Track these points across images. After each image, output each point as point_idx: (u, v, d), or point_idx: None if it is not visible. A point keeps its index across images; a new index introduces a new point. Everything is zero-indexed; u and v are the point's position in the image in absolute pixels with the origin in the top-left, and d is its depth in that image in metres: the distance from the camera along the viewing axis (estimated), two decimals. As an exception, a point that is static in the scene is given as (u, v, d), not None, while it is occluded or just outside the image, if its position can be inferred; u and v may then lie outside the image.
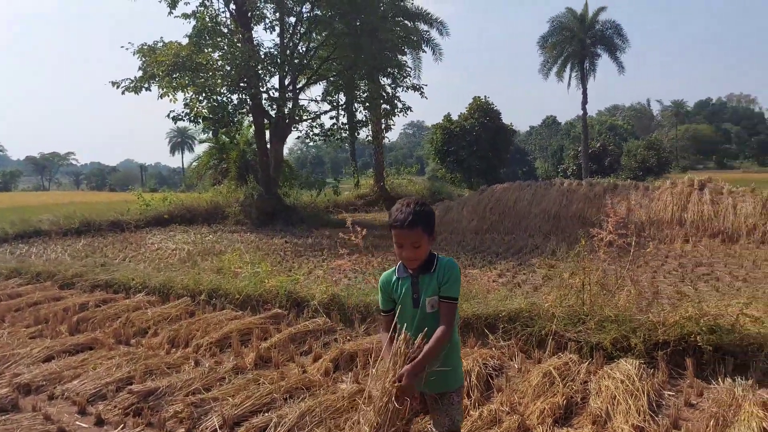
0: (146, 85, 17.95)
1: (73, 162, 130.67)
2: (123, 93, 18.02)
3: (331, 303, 6.81)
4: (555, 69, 41.94)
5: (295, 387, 4.72)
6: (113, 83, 18.19)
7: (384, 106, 21.65)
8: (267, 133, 20.70)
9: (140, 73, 17.96)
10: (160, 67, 17.20)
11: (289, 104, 20.21)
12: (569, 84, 42.03)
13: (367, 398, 2.76)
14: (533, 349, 5.42)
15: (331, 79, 22.30)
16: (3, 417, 4.44)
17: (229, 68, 17.94)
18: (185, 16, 18.43)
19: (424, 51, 28.68)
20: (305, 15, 19.91)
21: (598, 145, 47.19)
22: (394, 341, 2.71)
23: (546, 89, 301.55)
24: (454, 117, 39.48)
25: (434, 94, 25.84)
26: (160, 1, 18.70)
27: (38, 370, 5.38)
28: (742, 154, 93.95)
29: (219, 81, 17.87)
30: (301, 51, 20.59)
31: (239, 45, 18.07)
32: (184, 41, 18.16)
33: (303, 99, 24.81)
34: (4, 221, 17.56)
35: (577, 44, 40.62)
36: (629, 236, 6.40)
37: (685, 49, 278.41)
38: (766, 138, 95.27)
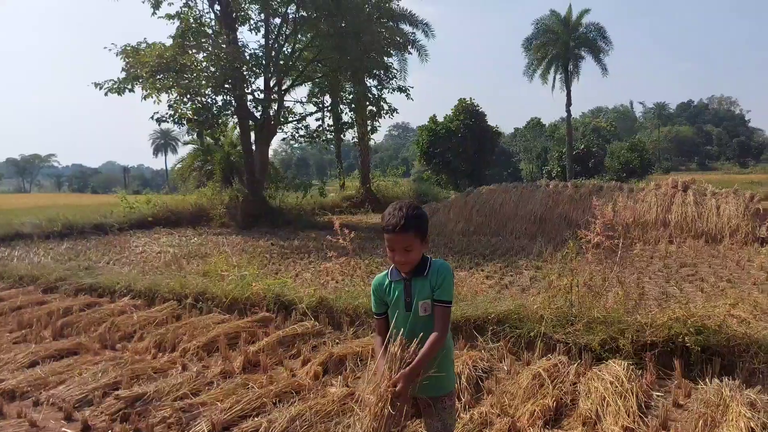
0: (130, 87, 17.78)
1: (55, 164, 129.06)
2: (106, 94, 17.84)
3: (320, 306, 6.78)
4: (539, 71, 42.09)
5: (284, 391, 4.70)
6: (96, 84, 18.00)
7: (370, 107, 21.63)
8: (252, 134, 20.58)
9: (123, 75, 17.80)
10: (144, 68, 17.05)
11: (275, 106, 20.13)
12: (553, 86, 42.23)
13: (361, 403, 2.74)
14: (522, 350, 5.44)
15: (317, 80, 22.25)
16: (-13, 424, 4.37)
17: (213, 69, 17.82)
18: (169, 17, 18.26)
19: (409, 53, 28.68)
20: (290, 16, 19.84)
21: (582, 146, 47.50)
22: (389, 345, 2.70)
23: (530, 91, 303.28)
24: (440, 119, 39.54)
25: (419, 95, 25.92)
26: (143, 2, 18.56)
27: (23, 375, 5.30)
28: (723, 156, 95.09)
29: (203, 82, 17.76)
30: (286, 52, 20.52)
31: (224, 46, 17.95)
32: (168, 42, 18.01)
33: (288, 100, 24.74)
34: (-16, 224, 17.29)
35: (561, 46, 40.82)
36: (617, 238, 6.44)
37: (667, 51, 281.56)
38: (746, 140, 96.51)
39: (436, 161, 38.99)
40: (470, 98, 39.18)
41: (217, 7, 18.97)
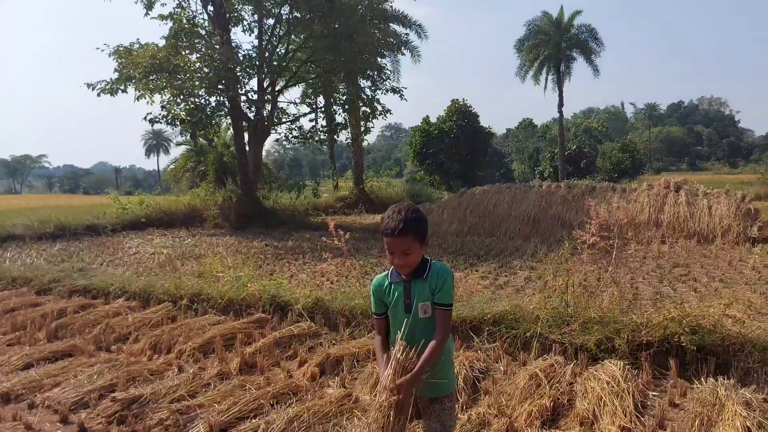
0: (122, 87, 17.69)
1: (46, 164, 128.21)
2: (99, 95, 17.71)
3: (315, 307, 6.77)
4: (531, 72, 42.26)
5: (281, 392, 4.70)
6: (89, 85, 17.89)
7: (363, 108, 21.63)
8: (246, 135, 20.54)
9: (116, 75, 17.71)
10: (137, 68, 16.97)
11: (268, 106, 20.09)
12: (545, 87, 42.43)
13: (364, 410, 2.76)
14: (518, 351, 5.45)
15: (310, 81, 22.23)
16: (-18, 427, 4.35)
17: (207, 70, 17.76)
18: (162, 17, 18.17)
19: (403, 53, 28.71)
20: (284, 17, 19.79)
21: (574, 147, 47.67)
22: (392, 350, 2.71)
23: (522, 92, 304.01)
24: (433, 120, 39.61)
25: (411, 96, 25.94)
26: (136, 2, 18.48)
27: (17, 378, 5.27)
28: (714, 156, 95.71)
29: (197, 83, 17.70)
30: (279, 53, 20.48)
31: (217, 47, 17.90)
32: (161, 43, 17.95)
33: (282, 101, 24.73)
34: (-25, 226, 17.17)
35: (553, 48, 40.98)
36: (612, 238, 6.48)
37: (658, 52, 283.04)
38: (736, 140, 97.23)
39: (429, 162, 39.06)
40: (463, 99, 39.32)
41: (210, 7, 18.92)
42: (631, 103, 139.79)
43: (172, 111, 18.04)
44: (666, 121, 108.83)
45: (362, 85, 21.91)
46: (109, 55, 17.82)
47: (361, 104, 21.73)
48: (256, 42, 20.49)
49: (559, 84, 42.00)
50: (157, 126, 21.16)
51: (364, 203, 25.99)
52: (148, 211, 20.53)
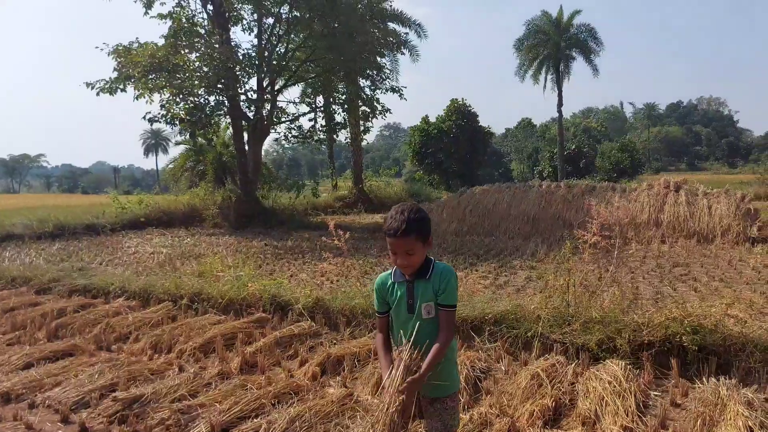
0: (121, 86, 17.67)
1: (44, 164, 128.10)
2: (98, 94, 17.70)
3: (316, 306, 6.76)
4: (531, 72, 42.28)
5: (282, 392, 4.69)
6: (88, 84, 17.88)
7: (363, 108, 21.62)
8: (245, 134, 20.52)
9: (115, 74, 17.69)
10: (136, 68, 16.95)
11: (268, 106, 20.07)
12: (545, 86, 42.45)
13: (368, 411, 2.76)
14: (519, 351, 5.45)
15: (310, 80, 22.22)
16: (-17, 427, 4.34)
17: (206, 69, 17.75)
18: (161, 16, 18.14)
19: (402, 53, 28.69)
20: (284, 16, 19.78)
21: (573, 147, 47.69)
22: (396, 352, 2.71)
23: (522, 92, 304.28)
24: (432, 119, 39.61)
25: (410, 96, 25.90)
26: (135, 1, 18.46)
27: (17, 377, 5.26)
28: (712, 156, 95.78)
29: (196, 82, 17.68)
30: (279, 52, 20.46)
31: (217, 46, 17.88)
32: (161, 42, 17.92)
33: (281, 101, 24.69)
34: (-26, 225, 17.14)
35: (553, 47, 41.01)
36: (613, 238, 6.47)
37: (657, 52, 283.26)
38: (735, 140, 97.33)
39: (428, 161, 39.08)
40: (462, 98, 39.34)
41: (209, 6, 18.90)
42: (630, 103, 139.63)
43: (172, 110, 18.03)
44: (665, 121, 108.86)
45: (362, 85, 21.91)
46: (109, 54, 17.81)
47: (360, 103, 21.72)
48: (255, 41, 20.51)
49: (559, 84, 42.04)
50: (155, 125, 21.16)
51: (363, 203, 25.98)
52: (147, 210, 20.50)
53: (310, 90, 23.03)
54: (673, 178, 16.28)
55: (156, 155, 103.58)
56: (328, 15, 18.39)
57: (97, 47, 18.04)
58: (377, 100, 21.31)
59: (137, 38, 18.11)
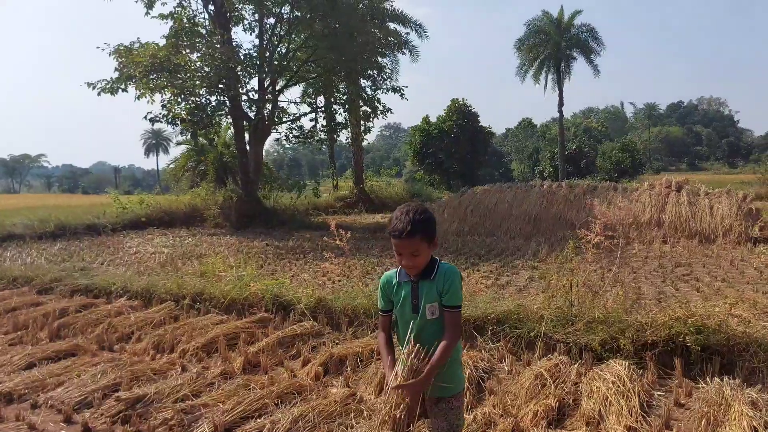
0: (123, 87, 17.69)
1: (45, 164, 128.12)
2: (99, 94, 17.73)
3: (318, 306, 6.76)
4: (531, 72, 42.26)
5: (285, 392, 4.68)
6: (89, 84, 17.89)
7: (364, 108, 21.63)
8: (246, 134, 20.53)
9: (116, 74, 17.70)
10: (137, 68, 16.95)
11: (269, 106, 20.08)
12: (545, 86, 42.44)
13: (372, 411, 2.77)
14: (522, 351, 5.44)
15: (311, 81, 22.22)
16: (-15, 427, 4.33)
17: (207, 70, 17.76)
18: (162, 16, 18.16)
19: (403, 53, 28.70)
20: (285, 16, 19.79)
21: (574, 147, 47.65)
22: (402, 353, 2.70)
23: (522, 92, 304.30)
24: (432, 119, 39.60)
25: (410, 96, 25.88)
26: (136, 2, 18.47)
27: (20, 378, 5.25)
28: (713, 156, 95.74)
29: (197, 82, 17.69)
30: (280, 53, 20.47)
31: (218, 46, 17.89)
32: (162, 42, 17.93)
33: (282, 101, 24.67)
34: (-25, 225, 17.14)
35: (553, 47, 40.98)
36: (616, 238, 6.47)
37: (657, 52, 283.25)
38: (735, 140, 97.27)
39: (428, 161, 39.06)
40: (463, 98, 39.32)
41: (211, 7, 18.91)
42: (631, 103, 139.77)
43: (173, 110, 18.03)
44: (665, 121, 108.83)
45: (363, 85, 21.91)
46: (110, 55, 17.83)
47: (361, 103, 21.73)
48: (256, 41, 20.53)
49: (559, 83, 42.02)
50: (156, 125, 21.19)
51: (364, 203, 25.99)
52: (148, 210, 20.52)
53: (311, 90, 23.04)
54: (675, 178, 16.26)
55: (157, 155, 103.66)
56: (329, 15, 18.40)
57: (98, 47, 18.08)
58: (378, 100, 21.32)
59: (138, 38, 18.15)
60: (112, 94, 17.70)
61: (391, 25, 28.25)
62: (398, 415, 2.56)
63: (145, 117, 18.58)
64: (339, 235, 7.21)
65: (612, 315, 5.29)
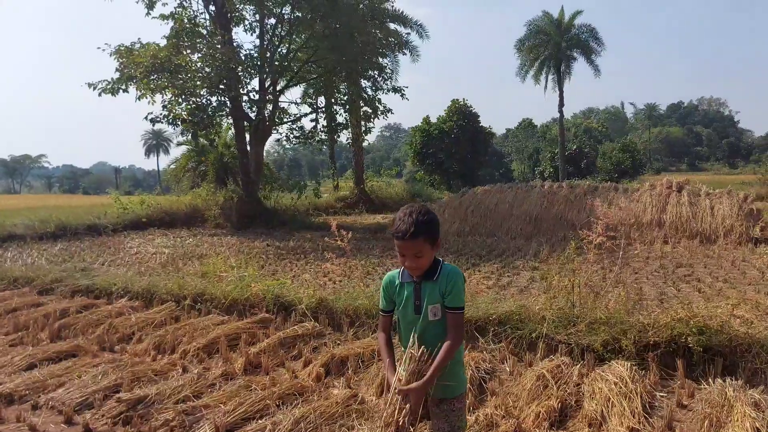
0: (123, 87, 17.68)
1: (45, 164, 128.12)
2: (100, 95, 17.71)
3: (319, 307, 6.75)
4: (532, 72, 42.24)
5: (287, 393, 4.67)
6: (90, 85, 17.88)
7: (364, 108, 21.63)
8: (247, 135, 20.53)
9: (117, 75, 17.69)
10: (138, 68, 16.95)
11: (269, 106, 20.08)
12: (546, 87, 42.41)
13: (375, 414, 2.75)
14: (524, 352, 5.43)
15: (311, 81, 22.22)
16: (-14, 428, 4.32)
17: (208, 70, 17.77)
18: (163, 17, 18.15)
19: (403, 53, 28.69)
20: (286, 17, 19.78)
21: (575, 147, 47.61)
22: (404, 355, 2.70)
23: (522, 92, 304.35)
24: (433, 119, 39.60)
25: (411, 96, 25.89)
26: (137, 2, 18.46)
27: (20, 378, 5.24)
28: (713, 157, 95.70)
29: (198, 83, 17.69)
30: (281, 53, 20.47)
31: (219, 47, 17.88)
32: (163, 42, 17.93)
33: (283, 101, 24.67)
34: (-24, 225, 17.14)
35: (554, 48, 40.95)
36: (618, 238, 6.46)
37: (657, 52, 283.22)
38: (735, 141, 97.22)
39: (429, 162, 39.06)
40: (463, 99, 39.31)
41: (212, 7, 18.90)
42: (631, 103, 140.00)
43: (174, 111, 18.03)
44: (666, 122, 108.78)
45: (363, 85, 21.91)
46: (110, 55, 17.81)
47: (362, 104, 21.72)
48: (257, 42, 20.52)
49: (560, 84, 41.99)
50: (157, 126, 21.20)
51: (365, 203, 25.99)
52: (149, 211, 20.52)
53: (311, 90, 23.04)
54: (675, 178, 16.25)
55: (157, 156, 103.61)
56: (329, 15, 18.39)
57: (99, 48, 18.07)
58: (379, 101, 21.32)
59: (139, 39, 18.14)
60: (112, 94, 17.69)
61: (392, 26, 28.23)
62: (401, 420, 2.55)
63: (146, 117, 18.62)
64: (340, 235, 7.20)
65: (614, 316, 5.28)
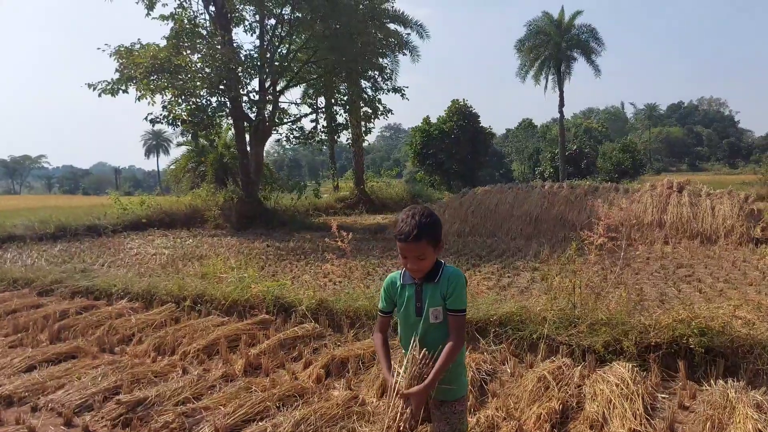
0: (123, 87, 17.67)
1: (45, 165, 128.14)
2: (100, 95, 17.71)
3: (319, 308, 6.74)
4: (532, 72, 42.21)
5: (287, 394, 4.65)
6: (89, 85, 17.87)
7: (365, 108, 21.62)
8: (247, 135, 20.52)
9: (117, 75, 17.68)
10: (138, 69, 16.94)
11: (269, 107, 20.06)
12: (546, 87, 42.40)
13: (376, 416, 2.74)
14: (525, 353, 5.41)
15: (311, 81, 22.22)
16: (-15, 430, 4.31)
17: (208, 71, 17.76)
18: (163, 17, 18.15)
19: (403, 53, 28.67)
20: (286, 17, 19.77)
21: (575, 147, 47.58)
22: (405, 358, 2.68)
23: (522, 92, 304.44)
24: (433, 120, 39.59)
25: (411, 96, 25.88)
26: (137, 2, 18.46)
27: (20, 380, 5.22)
28: (714, 157, 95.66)
29: (198, 83, 17.68)
30: (281, 53, 20.46)
31: (219, 47, 17.88)
32: (163, 43, 17.92)
33: (283, 102, 24.65)
34: (-25, 226, 17.12)
35: (554, 48, 40.93)
36: (618, 239, 6.44)
37: (658, 52, 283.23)
38: (736, 141, 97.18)
39: (429, 162, 39.05)
40: (463, 99, 39.31)
41: (211, 8, 18.90)
42: (631, 104, 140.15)
43: (174, 111, 18.02)
44: (666, 122, 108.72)
45: (363, 86, 21.89)
46: (110, 56, 17.81)
47: (362, 104, 21.71)
48: (257, 42, 20.51)
49: (560, 84, 41.98)
50: (157, 126, 21.19)
51: (365, 204, 25.96)
52: (148, 211, 20.51)
53: (311, 91, 23.02)
54: (676, 178, 16.23)
55: (157, 156, 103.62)
56: (329, 16, 18.38)
57: (98, 48, 18.07)
58: (379, 101, 21.31)
59: (139, 39, 18.14)
60: (112, 95, 17.69)
61: (392, 26, 28.20)
62: (402, 426, 2.53)
63: (146, 118, 18.61)
64: (340, 236, 7.18)
65: (615, 317, 5.27)
